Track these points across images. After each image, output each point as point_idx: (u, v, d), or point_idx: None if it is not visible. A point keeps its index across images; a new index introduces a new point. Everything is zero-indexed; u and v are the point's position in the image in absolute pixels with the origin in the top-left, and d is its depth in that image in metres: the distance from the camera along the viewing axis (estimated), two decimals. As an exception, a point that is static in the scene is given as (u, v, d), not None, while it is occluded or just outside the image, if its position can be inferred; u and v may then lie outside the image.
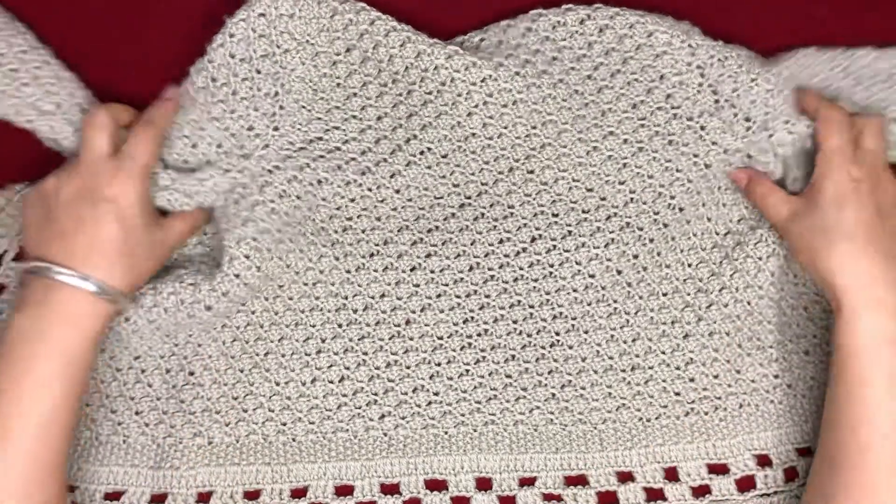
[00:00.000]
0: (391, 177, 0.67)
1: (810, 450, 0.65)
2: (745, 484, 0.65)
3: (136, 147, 0.61)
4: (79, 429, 0.66)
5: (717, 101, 0.66)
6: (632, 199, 0.68)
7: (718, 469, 0.66)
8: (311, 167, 0.66)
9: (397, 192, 0.68)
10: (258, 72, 0.65)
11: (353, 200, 0.67)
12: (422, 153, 0.68)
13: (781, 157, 0.65)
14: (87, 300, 0.58)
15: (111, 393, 0.67)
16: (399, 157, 0.68)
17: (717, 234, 0.67)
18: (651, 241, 0.67)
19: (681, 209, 0.67)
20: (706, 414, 0.66)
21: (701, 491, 0.65)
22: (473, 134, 0.67)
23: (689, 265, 0.67)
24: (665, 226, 0.67)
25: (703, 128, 0.66)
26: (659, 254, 0.67)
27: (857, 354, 0.57)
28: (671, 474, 0.65)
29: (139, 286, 0.62)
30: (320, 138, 0.67)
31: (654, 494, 0.65)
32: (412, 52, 0.65)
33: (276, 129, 0.66)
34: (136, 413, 0.66)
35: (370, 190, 0.67)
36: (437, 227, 0.68)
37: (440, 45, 0.65)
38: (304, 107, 0.67)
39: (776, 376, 0.67)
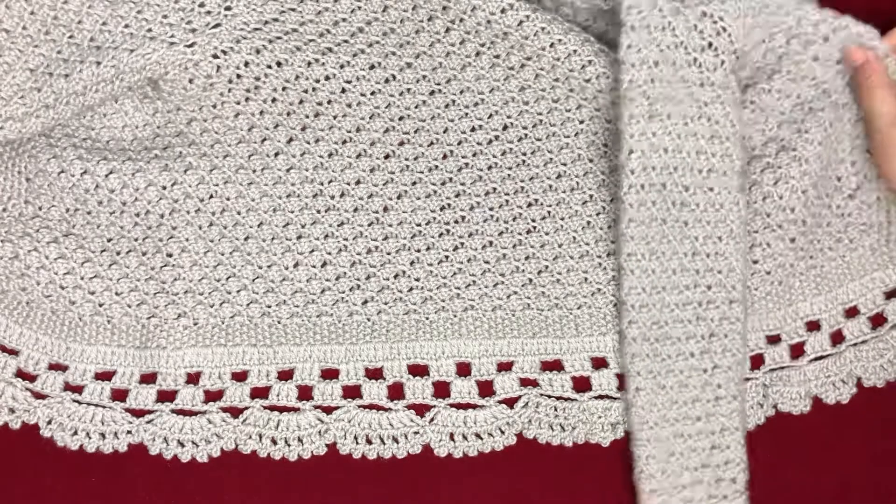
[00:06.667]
0: (354, 55, 0.66)
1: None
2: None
3: None
4: (59, 310, 0.65)
5: None
6: (599, 90, 0.67)
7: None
8: (269, 49, 0.65)
9: (364, 74, 0.66)
10: None
11: (318, 81, 0.66)
12: (385, 34, 0.66)
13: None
14: None
15: (86, 274, 0.66)
16: (361, 39, 0.66)
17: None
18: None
19: None
20: None
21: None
22: (437, 16, 0.66)
23: None
24: None
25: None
26: None
27: None
28: None
29: None
30: (276, 20, 0.65)
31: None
32: None
33: (228, 8, 0.64)
34: (117, 294, 0.66)
35: (335, 69, 0.66)
36: (408, 115, 0.67)
37: None
38: None
39: (756, 262, 0.67)
